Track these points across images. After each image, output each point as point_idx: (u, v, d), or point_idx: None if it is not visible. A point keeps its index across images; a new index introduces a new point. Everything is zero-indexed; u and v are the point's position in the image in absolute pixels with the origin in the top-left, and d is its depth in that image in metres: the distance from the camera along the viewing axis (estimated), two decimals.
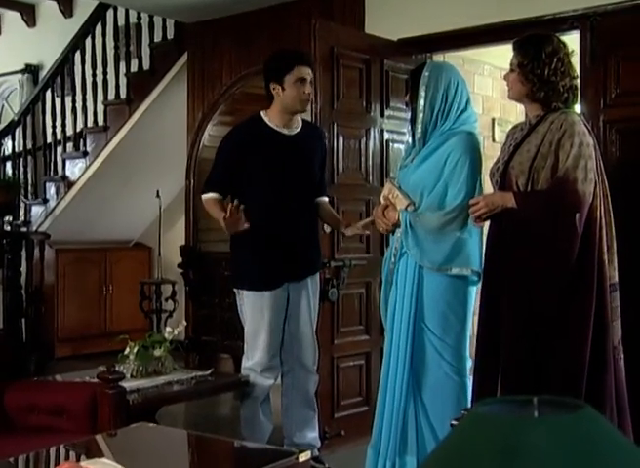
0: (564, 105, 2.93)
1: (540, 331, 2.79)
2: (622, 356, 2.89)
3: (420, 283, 3.18)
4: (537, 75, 2.91)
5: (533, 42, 2.97)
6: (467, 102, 3.28)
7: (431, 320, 3.17)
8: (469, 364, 3.23)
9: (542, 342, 2.80)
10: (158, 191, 6.43)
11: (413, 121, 3.29)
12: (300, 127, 3.61)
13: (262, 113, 3.58)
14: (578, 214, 2.76)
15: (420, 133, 3.24)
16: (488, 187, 3.22)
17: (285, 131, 3.56)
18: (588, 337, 2.76)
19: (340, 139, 4.32)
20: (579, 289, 2.77)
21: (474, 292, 3.22)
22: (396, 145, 4.62)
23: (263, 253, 3.49)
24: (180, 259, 6.18)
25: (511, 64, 3.02)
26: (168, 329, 3.57)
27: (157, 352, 3.45)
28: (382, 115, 4.59)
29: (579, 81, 3.95)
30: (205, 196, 3.53)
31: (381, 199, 3.35)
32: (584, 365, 2.75)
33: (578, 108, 3.69)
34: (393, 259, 3.29)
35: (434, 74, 3.24)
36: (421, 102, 3.20)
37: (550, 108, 2.93)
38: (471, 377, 3.11)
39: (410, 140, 3.48)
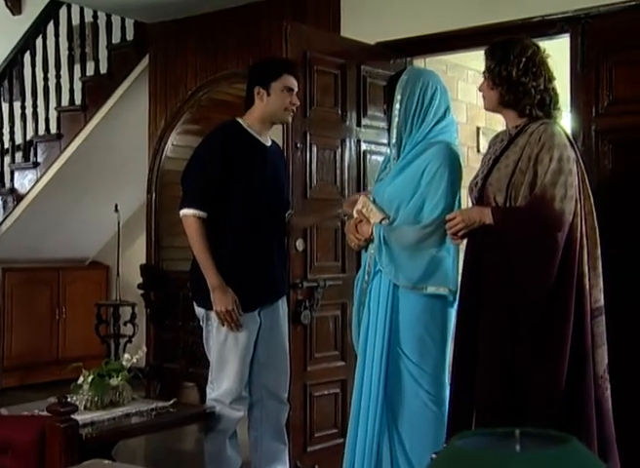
0: (542, 112, 2.95)
1: (516, 359, 2.81)
2: (609, 386, 2.90)
3: (395, 304, 3.19)
4: (503, 77, 2.94)
5: (501, 45, 3.01)
6: (447, 111, 3.32)
7: (407, 344, 3.18)
8: (444, 393, 3.22)
9: (518, 371, 2.81)
10: (117, 205, 6.41)
11: (390, 129, 3.32)
12: (270, 141, 3.65)
13: (239, 119, 3.58)
14: (558, 234, 2.78)
15: (394, 138, 3.27)
16: (469, 204, 3.25)
17: (263, 140, 3.58)
18: (564, 366, 2.76)
19: (314, 150, 4.34)
20: (555, 315, 2.78)
21: (452, 315, 3.23)
22: (374, 157, 4.65)
23: (242, 270, 3.48)
24: (140, 279, 6.15)
25: (483, 73, 3.06)
26: (126, 355, 3.55)
27: (114, 381, 3.42)
28: (359, 124, 4.61)
29: (568, 85, 4.08)
30: (186, 212, 3.42)
31: (354, 213, 3.37)
32: (559, 394, 2.75)
33: (566, 117, 3.75)
34: (366, 278, 3.30)
35: (412, 77, 3.29)
36: (397, 106, 3.25)
37: (530, 116, 2.95)
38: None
39: (388, 151, 3.50)
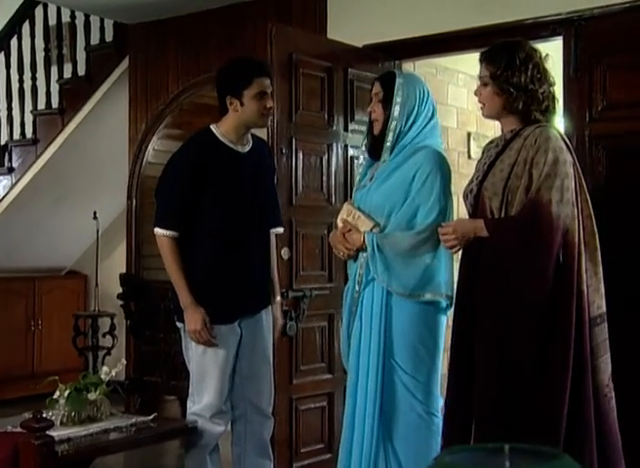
0: (543, 116, 2.99)
1: (516, 373, 2.82)
2: (613, 395, 2.92)
3: (389, 313, 3.20)
4: (513, 84, 2.97)
5: (503, 50, 3.03)
6: (433, 113, 3.38)
7: (401, 355, 3.19)
8: (440, 403, 3.25)
9: (518, 385, 2.82)
10: (95, 212, 6.39)
11: (379, 132, 3.34)
12: (251, 142, 3.62)
13: (213, 127, 3.57)
14: (553, 239, 2.80)
15: (390, 141, 3.30)
16: (462, 210, 3.27)
17: (239, 148, 3.56)
18: (568, 378, 2.79)
19: (300, 156, 4.35)
20: (555, 324, 2.81)
21: (445, 322, 3.25)
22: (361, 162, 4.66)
23: (218, 283, 3.49)
24: (119, 289, 6.13)
25: (482, 78, 3.07)
26: (105, 368, 3.54)
27: (92, 395, 3.41)
28: (346, 129, 4.63)
29: (561, 89, 4.10)
30: (161, 232, 3.46)
31: (339, 222, 3.38)
32: (563, 407, 2.78)
33: (559, 121, 3.77)
34: (357, 288, 3.31)
35: (409, 82, 3.35)
36: (397, 109, 3.28)
37: (529, 120, 2.98)
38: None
39: (367, 157, 3.51)
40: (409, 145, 3.28)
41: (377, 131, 3.37)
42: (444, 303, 3.22)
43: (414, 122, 3.30)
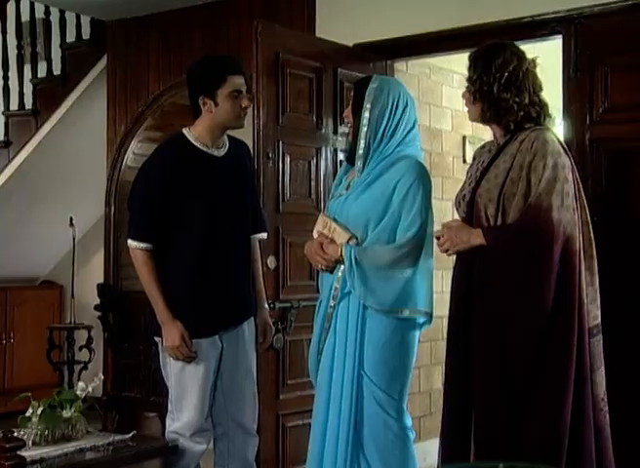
0: (531, 123, 2.99)
1: (516, 387, 2.83)
2: (607, 409, 2.94)
3: (364, 328, 3.22)
4: (484, 92, 2.99)
5: (483, 54, 3.04)
6: (415, 123, 3.37)
7: (375, 370, 3.21)
8: (410, 420, 3.29)
9: (518, 400, 2.83)
10: (72, 219, 6.37)
11: (353, 138, 3.34)
12: (227, 145, 3.61)
13: (185, 131, 3.56)
14: (554, 246, 2.81)
15: (362, 149, 3.29)
16: (457, 217, 3.26)
17: (215, 152, 3.55)
18: (569, 392, 2.80)
19: (287, 160, 4.36)
20: (556, 335, 2.82)
21: (417, 338, 3.29)
22: None
23: (196, 294, 3.48)
24: (97, 300, 6.12)
25: (466, 79, 3.10)
26: (81, 384, 3.52)
27: (67, 412, 3.39)
28: (336, 132, 4.64)
29: (560, 90, 4.12)
30: (134, 245, 3.46)
31: (314, 233, 3.37)
32: (566, 424, 2.79)
33: (559, 124, 3.78)
34: (332, 302, 3.32)
35: (382, 87, 3.32)
36: (366, 115, 3.27)
37: (509, 129, 2.99)
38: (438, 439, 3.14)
39: (345, 164, 3.51)
40: (389, 155, 3.27)
41: (351, 137, 3.38)
42: (421, 320, 3.24)
43: (392, 131, 3.27)
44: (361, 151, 3.29)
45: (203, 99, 3.47)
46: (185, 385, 3.48)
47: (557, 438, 2.79)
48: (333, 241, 3.28)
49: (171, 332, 3.41)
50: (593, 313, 2.93)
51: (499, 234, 2.93)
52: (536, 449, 2.79)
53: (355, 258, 3.19)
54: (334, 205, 3.39)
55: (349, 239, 3.25)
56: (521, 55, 3.03)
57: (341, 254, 3.23)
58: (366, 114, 3.27)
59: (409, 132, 3.31)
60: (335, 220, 3.31)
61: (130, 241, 3.47)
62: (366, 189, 3.27)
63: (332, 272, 3.33)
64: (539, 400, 2.82)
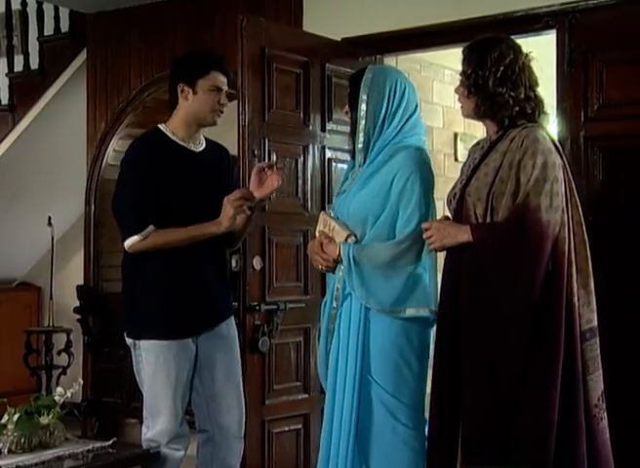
0: (524, 120, 3.00)
1: (504, 389, 2.85)
2: (605, 415, 2.95)
3: (367, 328, 3.20)
4: (479, 86, 3.00)
5: (478, 47, 3.06)
6: (416, 108, 3.35)
7: (381, 373, 3.18)
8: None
9: (506, 404, 2.85)
10: (50, 218, 6.36)
11: (353, 134, 3.34)
12: (204, 143, 3.63)
13: (162, 126, 3.58)
14: (542, 247, 2.82)
15: (361, 143, 3.29)
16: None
17: (192, 146, 3.57)
18: (556, 395, 2.81)
19: (273, 158, 4.35)
20: (543, 338, 2.83)
21: (431, 337, 3.25)
22: (340, 165, 4.68)
23: (169, 294, 3.48)
24: (76, 303, 6.12)
25: (460, 73, 3.11)
26: (59, 389, 3.52)
27: (44, 419, 3.39)
28: (324, 129, 4.65)
29: (554, 86, 4.13)
30: (131, 241, 3.42)
31: (316, 233, 3.38)
32: (552, 429, 2.80)
33: (553, 121, 3.79)
34: (335, 303, 3.31)
35: (377, 76, 3.31)
36: (363, 107, 3.27)
37: (503, 125, 3.01)
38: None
39: (350, 161, 3.52)
40: (388, 146, 3.25)
41: (350, 131, 3.39)
42: (430, 318, 3.19)
43: (391, 119, 3.26)
44: (361, 145, 3.29)
45: (182, 87, 3.52)
46: (158, 392, 3.48)
47: (544, 438, 2.80)
48: (333, 240, 3.29)
49: (224, 212, 3.41)
50: (586, 316, 2.93)
51: (486, 232, 2.94)
52: (522, 449, 2.80)
53: (353, 257, 3.18)
54: (338, 201, 3.39)
55: (348, 236, 3.24)
56: (517, 48, 3.05)
57: (340, 253, 3.23)
58: (362, 106, 3.26)
59: (409, 118, 3.29)
60: (335, 218, 3.31)
61: (128, 241, 3.44)
62: (365, 184, 3.26)
63: (333, 272, 3.32)
64: (526, 400, 2.82)
